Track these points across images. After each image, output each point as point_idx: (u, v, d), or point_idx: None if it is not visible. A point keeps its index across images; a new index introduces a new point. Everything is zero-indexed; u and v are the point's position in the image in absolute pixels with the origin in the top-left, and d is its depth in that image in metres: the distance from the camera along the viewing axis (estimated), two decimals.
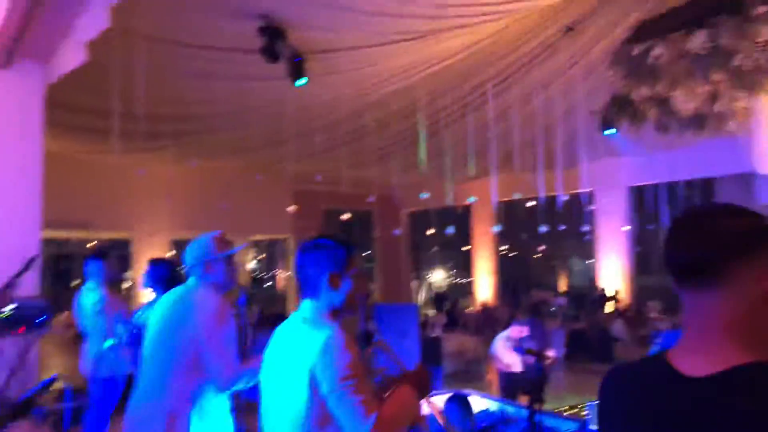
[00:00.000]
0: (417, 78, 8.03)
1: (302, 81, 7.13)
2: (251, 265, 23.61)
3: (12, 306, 6.04)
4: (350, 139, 10.11)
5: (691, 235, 1.15)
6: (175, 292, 2.98)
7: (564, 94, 8.93)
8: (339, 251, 2.16)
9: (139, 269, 13.17)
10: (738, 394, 1.03)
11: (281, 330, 2.19)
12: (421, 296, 21.38)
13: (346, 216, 16.79)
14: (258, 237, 20.16)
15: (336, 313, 2.13)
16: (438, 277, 23.41)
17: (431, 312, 15.86)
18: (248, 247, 3.88)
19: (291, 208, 12.78)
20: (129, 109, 7.19)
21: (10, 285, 5.49)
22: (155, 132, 8.04)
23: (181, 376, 2.76)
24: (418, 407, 2.16)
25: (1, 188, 6.88)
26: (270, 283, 23.00)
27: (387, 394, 2.11)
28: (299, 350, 2.02)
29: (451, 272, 23.55)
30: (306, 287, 2.16)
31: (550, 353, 6.25)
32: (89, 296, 5.62)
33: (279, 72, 6.91)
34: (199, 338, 2.74)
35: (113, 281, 5.96)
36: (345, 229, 18.11)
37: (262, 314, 11.03)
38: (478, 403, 4.62)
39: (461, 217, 17.09)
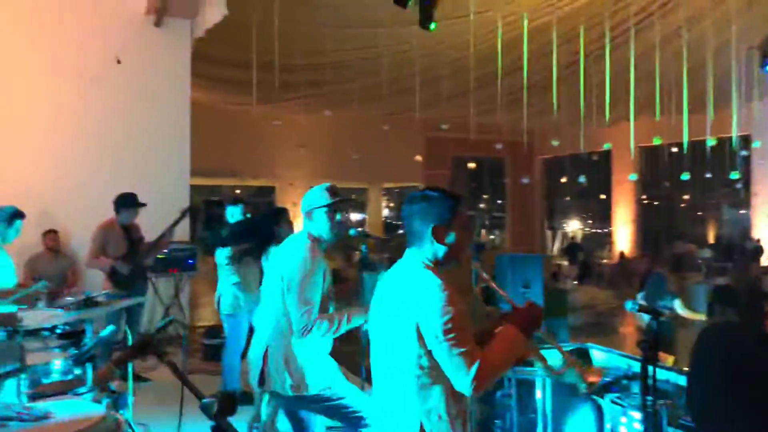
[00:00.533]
0: (552, 17, 7.65)
1: (432, 25, 7.07)
2: (384, 212, 24.20)
3: (166, 251, 6.69)
4: (479, 85, 9.92)
5: None
6: (292, 238, 3.16)
7: (716, 29, 8.15)
8: (445, 204, 2.15)
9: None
10: None
11: (386, 279, 2.25)
12: (555, 246, 20.88)
13: (473, 164, 16.60)
14: (389, 185, 20.59)
15: (439, 264, 2.14)
16: (573, 226, 22.69)
17: (564, 263, 15.48)
18: (352, 199, 3.94)
19: (417, 157, 12.81)
20: (267, 60, 7.50)
21: (167, 233, 6.06)
22: (291, 82, 8.34)
23: (281, 319, 2.95)
24: (524, 345, 2.16)
25: (154, 138, 7.56)
26: (401, 231, 23.40)
27: (496, 331, 2.14)
28: (403, 300, 2.06)
29: (587, 222, 22.71)
30: (411, 238, 2.18)
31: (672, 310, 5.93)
32: None
33: (409, 17, 6.89)
34: (286, 285, 2.90)
35: None
36: (474, 177, 17.95)
37: (392, 262, 11.29)
38: (601, 357, 4.50)
39: (598, 165, 16.32)
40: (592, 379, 2.40)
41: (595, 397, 3.83)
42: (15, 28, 7.13)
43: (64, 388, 2.59)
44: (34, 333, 3.59)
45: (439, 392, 2.03)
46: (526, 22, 7.60)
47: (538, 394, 3.95)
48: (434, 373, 2.01)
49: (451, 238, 2.13)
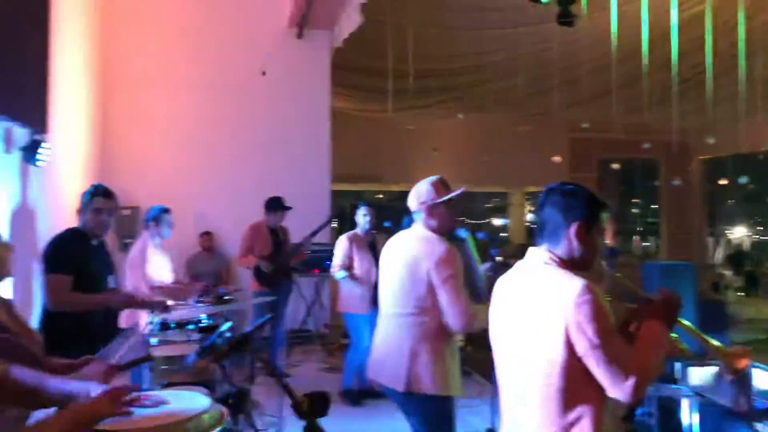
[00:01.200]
0: (703, 5, 7.07)
1: (572, 21, 6.82)
2: (528, 216, 23.60)
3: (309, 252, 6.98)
4: (624, 82, 9.37)
5: None
6: (404, 235, 3.09)
7: None
8: (591, 202, 2.02)
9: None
10: None
11: (510, 279, 2.12)
12: (718, 255, 19.21)
13: (617, 165, 15.67)
14: (531, 189, 20.06)
15: (571, 264, 2.00)
16: (739, 233, 20.77)
17: (728, 273, 14.21)
18: (464, 192, 3.82)
19: (556, 159, 12.31)
20: (402, 66, 7.61)
21: (315, 234, 6.34)
22: (426, 88, 8.40)
23: (406, 315, 2.90)
24: (669, 338, 2.01)
25: (296, 145, 7.96)
26: None
27: (632, 328, 2.02)
28: (542, 302, 1.93)
29: (756, 228, 20.68)
30: (545, 232, 2.04)
31: None
32: None
33: (547, 15, 6.69)
34: (431, 283, 2.83)
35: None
36: (623, 180, 16.98)
37: None
38: (764, 379, 4.05)
39: (764, 165, 14.81)
40: (740, 364, 2.15)
41: (752, 421, 3.48)
42: (166, 45, 7.82)
43: (194, 379, 2.74)
44: (181, 326, 3.92)
45: (584, 404, 1.88)
46: (676, 12, 7.07)
47: (685, 416, 3.65)
48: (580, 383, 1.87)
49: (590, 240, 2.01)
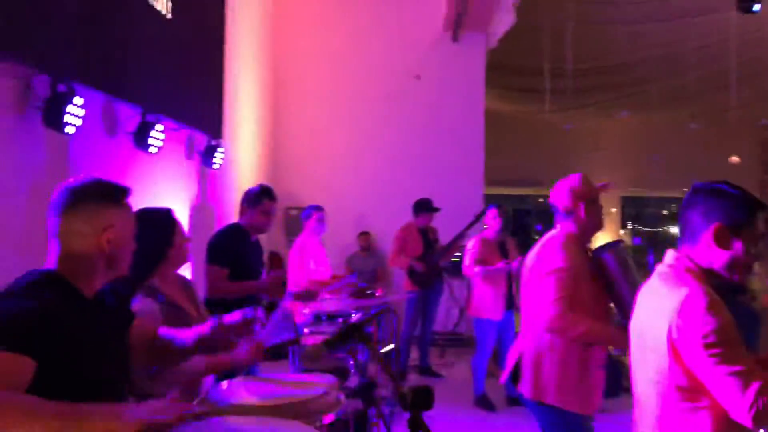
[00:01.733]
0: None
1: (756, 7, 6.25)
2: None
3: (458, 254, 7.01)
4: None
5: None
6: (546, 237, 2.95)
7: None
8: (740, 204, 1.82)
9: None
10: None
11: (648, 285, 1.97)
12: None
13: None
14: None
15: (709, 273, 1.83)
16: None
17: None
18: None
19: (734, 159, 11.08)
20: (558, 66, 7.41)
21: (462, 236, 6.38)
22: (584, 87, 8.09)
23: (533, 322, 2.81)
24: None
25: (450, 148, 8.04)
26: None
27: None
28: (658, 308, 1.82)
29: None
30: (684, 233, 1.89)
31: None
32: None
33: (719, 3, 6.18)
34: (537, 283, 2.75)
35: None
36: None
37: None
38: None
39: None
40: None
41: None
42: (330, 53, 8.25)
43: (330, 366, 2.88)
44: (331, 318, 4.15)
45: (706, 420, 1.73)
46: None
47: None
48: (698, 396, 1.73)
49: (735, 246, 1.82)
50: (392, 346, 6.76)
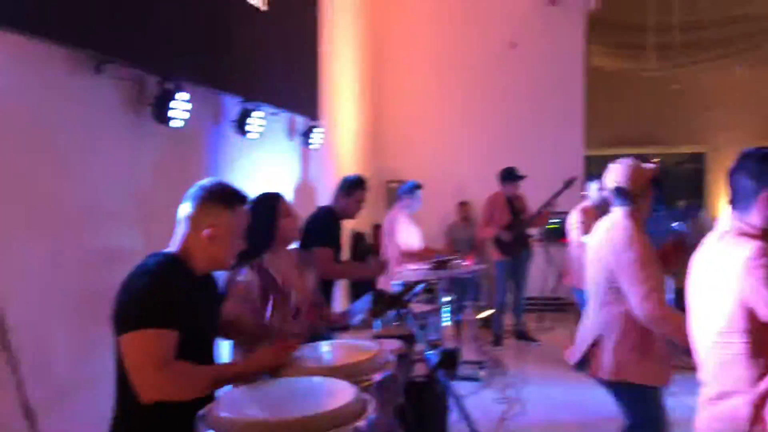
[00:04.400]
0: None
1: None
2: None
3: (557, 220, 7.00)
4: None
5: None
6: (613, 219, 2.92)
7: None
8: None
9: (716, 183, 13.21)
10: None
11: (706, 246, 2.05)
12: None
13: None
14: None
15: (763, 233, 1.88)
16: None
17: None
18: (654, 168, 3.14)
19: None
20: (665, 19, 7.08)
21: (550, 203, 6.38)
22: (697, 41, 7.66)
23: (606, 303, 2.84)
24: None
25: (550, 113, 7.95)
26: None
27: None
28: (720, 269, 1.91)
29: None
30: (736, 199, 1.95)
31: None
32: None
33: None
34: (612, 267, 2.76)
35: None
36: None
37: None
38: None
39: None
40: None
41: None
42: (430, 26, 8.37)
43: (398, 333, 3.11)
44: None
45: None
46: None
47: None
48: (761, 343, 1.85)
49: None
50: (490, 311, 6.96)
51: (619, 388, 2.91)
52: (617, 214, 2.90)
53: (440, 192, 8.19)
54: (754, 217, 1.91)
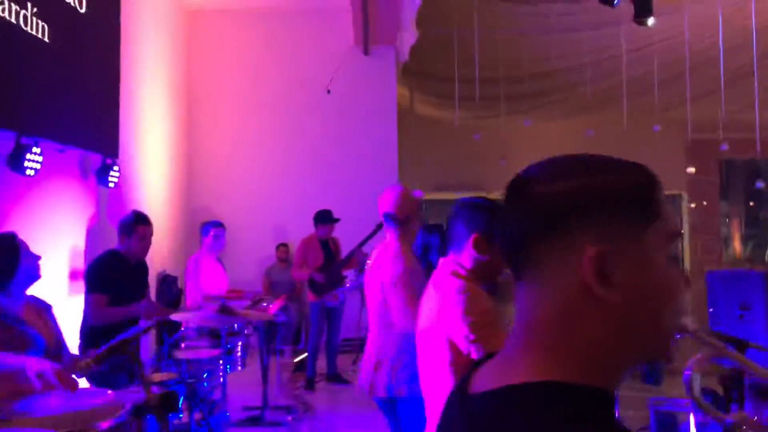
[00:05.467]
0: None
1: (650, 21, 6.58)
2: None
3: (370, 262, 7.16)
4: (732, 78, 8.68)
5: (509, 203, 0.84)
6: (387, 245, 3.09)
7: None
8: (494, 216, 2.07)
9: None
10: (492, 419, 0.77)
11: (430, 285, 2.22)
12: None
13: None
14: None
15: (472, 272, 2.08)
16: None
17: None
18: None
19: (690, 170, 11.22)
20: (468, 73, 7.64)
21: (361, 246, 6.51)
22: (490, 95, 8.33)
23: (382, 327, 2.97)
24: None
25: (365, 157, 8.19)
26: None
27: None
28: (434, 303, 2.08)
29: None
30: (452, 242, 2.16)
31: None
32: None
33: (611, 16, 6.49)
34: (383, 293, 2.90)
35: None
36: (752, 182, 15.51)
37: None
38: None
39: None
40: None
41: None
42: (241, 71, 8.37)
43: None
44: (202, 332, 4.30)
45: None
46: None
47: None
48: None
49: (491, 252, 2.06)
50: (304, 354, 6.91)
51: (396, 405, 2.97)
52: (388, 237, 3.07)
53: (259, 234, 8.12)
54: (465, 259, 2.08)
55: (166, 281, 6.90)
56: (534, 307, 0.81)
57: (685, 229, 17.15)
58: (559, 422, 0.71)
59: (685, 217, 16.54)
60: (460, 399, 0.87)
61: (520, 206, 0.83)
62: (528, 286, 0.82)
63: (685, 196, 15.81)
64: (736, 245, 17.54)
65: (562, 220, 0.78)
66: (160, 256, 6.66)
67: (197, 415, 3.30)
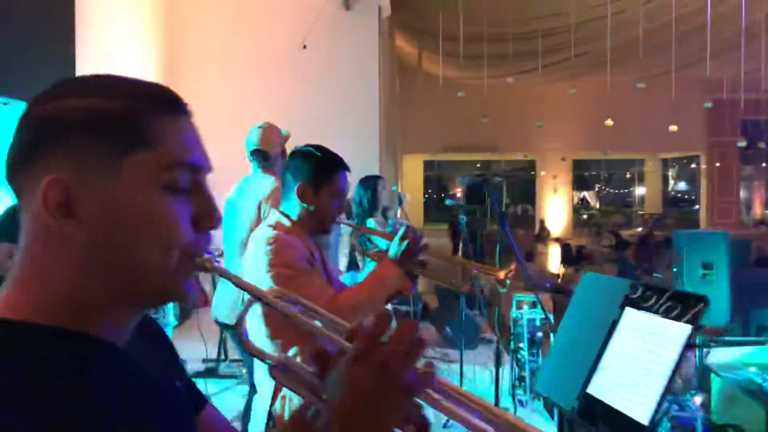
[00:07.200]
0: None
1: None
2: (671, 186, 21.46)
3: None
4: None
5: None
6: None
7: None
8: (321, 164, 2.03)
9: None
10: None
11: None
12: None
13: None
14: (665, 155, 18.17)
15: (299, 223, 2.02)
16: None
17: None
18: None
19: (672, 128, 10.86)
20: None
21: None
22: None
23: None
24: (398, 278, 1.94)
25: (346, 119, 7.98)
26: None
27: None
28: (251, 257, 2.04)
29: None
30: (283, 193, 2.11)
31: None
32: None
33: None
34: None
35: None
36: None
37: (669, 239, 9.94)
38: None
39: None
40: (500, 275, 2.19)
41: None
42: (214, 25, 8.09)
43: None
44: None
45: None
46: None
47: None
48: (282, 329, 1.96)
49: (317, 200, 2.01)
50: None
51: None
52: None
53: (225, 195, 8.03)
54: (293, 210, 2.03)
55: None
56: (20, 240, 0.74)
57: (701, 192, 16.55)
58: None
59: (702, 181, 15.93)
60: None
61: (17, 129, 0.75)
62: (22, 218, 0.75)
63: (703, 157, 15.17)
64: (757, 209, 16.86)
65: (32, 146, 0.71)
66: None
67: None
